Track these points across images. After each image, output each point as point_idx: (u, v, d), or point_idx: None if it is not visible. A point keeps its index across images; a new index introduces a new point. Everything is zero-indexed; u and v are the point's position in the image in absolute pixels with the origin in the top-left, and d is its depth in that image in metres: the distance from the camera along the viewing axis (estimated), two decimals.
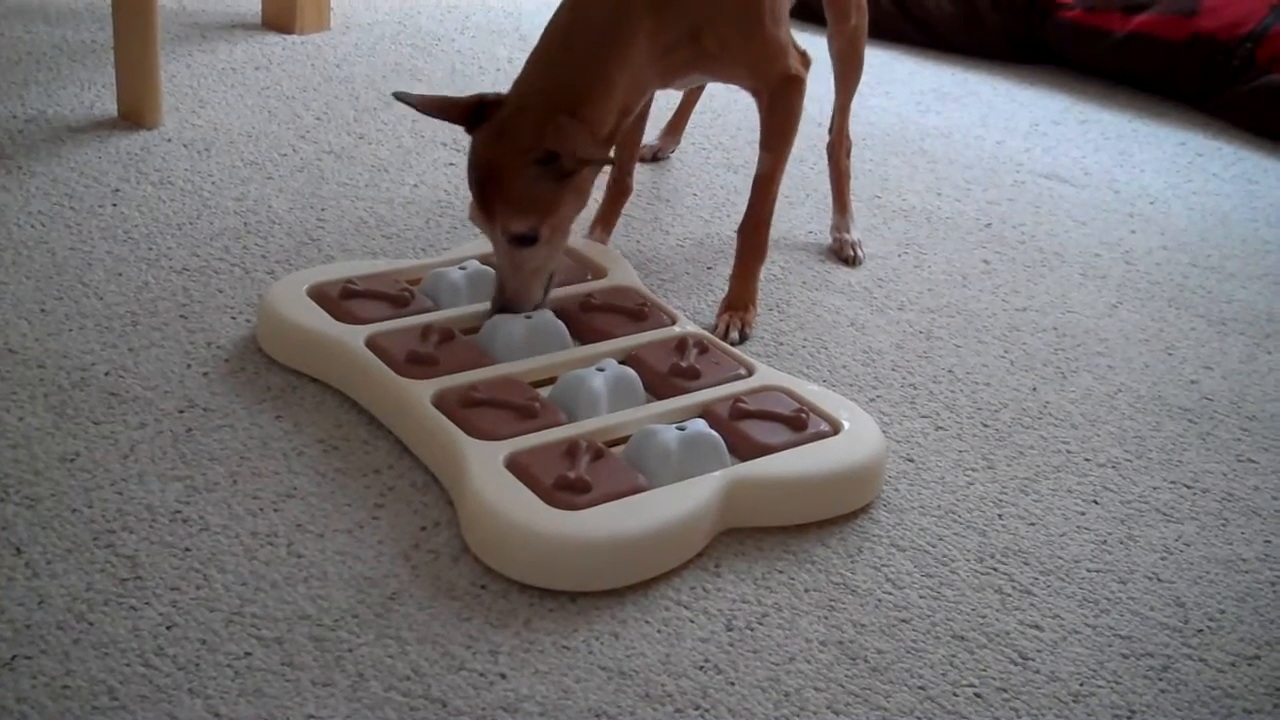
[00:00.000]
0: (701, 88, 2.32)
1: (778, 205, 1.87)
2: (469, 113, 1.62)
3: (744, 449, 1.51)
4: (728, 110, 2.55)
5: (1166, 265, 2.20)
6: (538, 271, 1.65)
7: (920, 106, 2.78)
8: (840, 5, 2.02)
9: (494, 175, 1.59)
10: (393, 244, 1.96)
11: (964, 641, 1.34)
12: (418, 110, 1.65)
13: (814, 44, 2.11)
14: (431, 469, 1.48)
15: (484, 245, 1.86)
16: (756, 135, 1.82)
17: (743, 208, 1.86)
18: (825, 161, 2.16)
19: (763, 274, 1.88)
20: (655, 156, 2.35)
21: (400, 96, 1.63)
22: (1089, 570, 1.47)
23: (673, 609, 1.34)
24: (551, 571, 1.34)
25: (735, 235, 1.87)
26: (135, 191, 2.03)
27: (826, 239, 2.12)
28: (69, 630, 1.23)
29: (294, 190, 2.09)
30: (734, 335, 1.80)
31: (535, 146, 1.57)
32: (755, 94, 1.82)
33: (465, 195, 2.11)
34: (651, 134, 2.36)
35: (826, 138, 2.14)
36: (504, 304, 1.66)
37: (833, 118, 2.12)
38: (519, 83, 1.64)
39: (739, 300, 1.85)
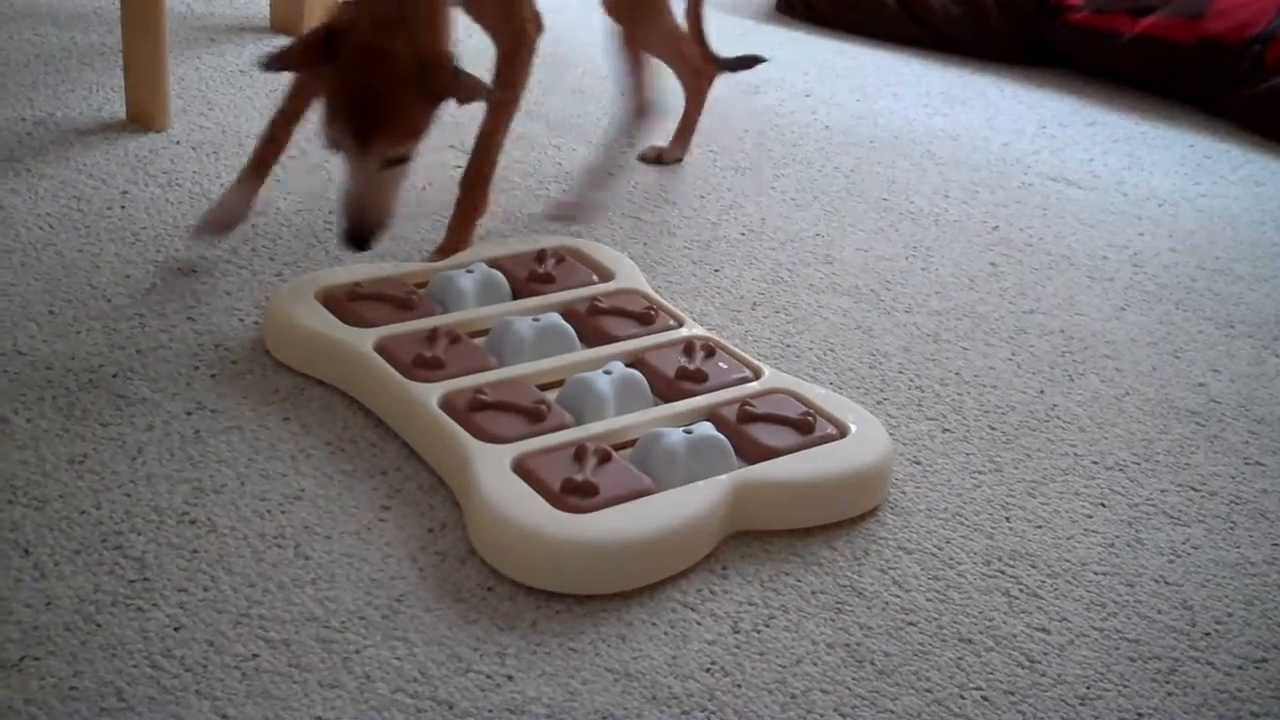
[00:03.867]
0: (702, 95, 2.31)
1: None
2: (324, 48, 1.60)
3: (751, 452, 1.51)
4: (734, 114, 2.55)
5: (1174, 268, 2.20)
6: (397, 191, 1.67)
7: (927, 109, 2.78)
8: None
9: (377, 101, 1.59)
10: (399, 246, 1.96)
11: (971, 644, 1.34)
12: (279, 70, 1.62)
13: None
14: (439, 472, 1.49)
15: (491, 249, 1.87)
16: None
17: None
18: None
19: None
20: (660, 159, 2.35)
21: (263, 64, 1.60)
22: (1096, 573, 1.47)
23: (680, 611, 1.34)
24: (558, 575, 1.34)
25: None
26: (143, 194, 2.03)
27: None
28: (76, 631, 1.23)
29: (302, 192, 2.09)
30: None
31: (412, 69, 1.58)
32: (496, 40, 1.84)
33: None
34: (656, 140, 2.36)
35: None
36: (364, 230, 1.66)
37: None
38: (357, 4, 1.62)
39: (451, 247, 1.87)
